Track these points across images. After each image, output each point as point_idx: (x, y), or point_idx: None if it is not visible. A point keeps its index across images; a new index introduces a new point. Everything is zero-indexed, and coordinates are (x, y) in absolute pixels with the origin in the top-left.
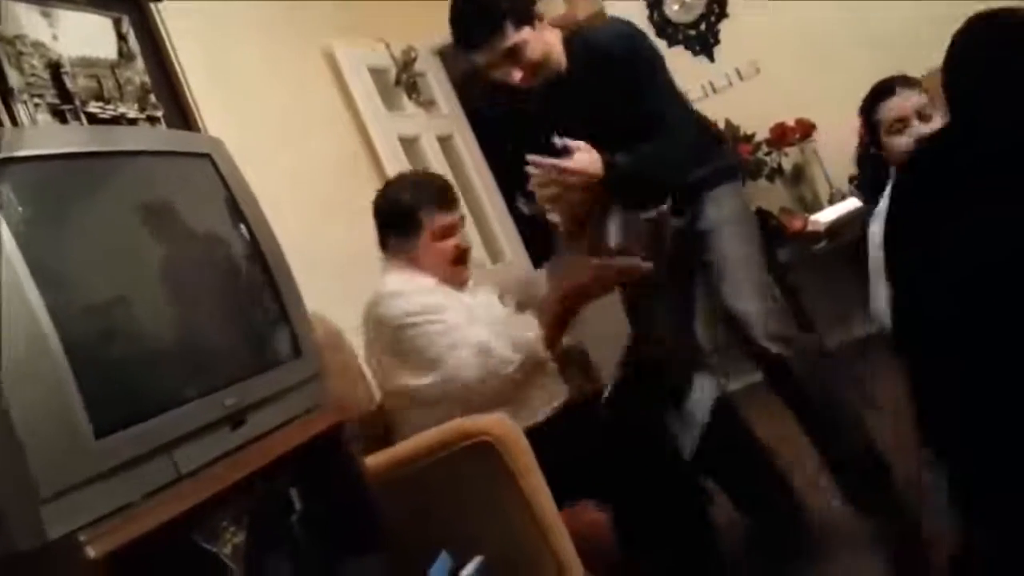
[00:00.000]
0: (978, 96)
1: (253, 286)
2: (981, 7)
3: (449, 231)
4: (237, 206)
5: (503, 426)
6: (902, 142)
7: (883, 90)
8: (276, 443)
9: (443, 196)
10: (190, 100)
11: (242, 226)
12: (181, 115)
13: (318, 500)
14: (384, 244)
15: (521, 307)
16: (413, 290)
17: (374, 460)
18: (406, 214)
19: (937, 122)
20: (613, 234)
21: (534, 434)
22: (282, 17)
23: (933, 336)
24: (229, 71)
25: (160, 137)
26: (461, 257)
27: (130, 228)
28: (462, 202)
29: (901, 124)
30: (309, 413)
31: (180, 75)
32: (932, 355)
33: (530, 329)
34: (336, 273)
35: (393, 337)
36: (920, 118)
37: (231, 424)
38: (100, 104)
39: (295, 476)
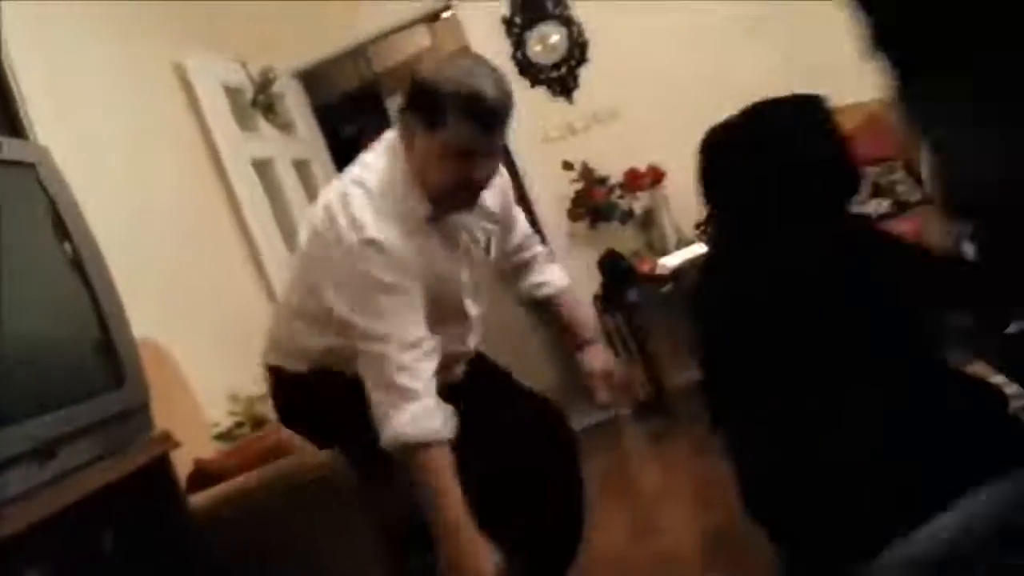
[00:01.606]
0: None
1: (73, 308)
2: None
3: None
4: (61, 221)
5: (332, 463)
6: None
7: None
8: (89, 479)
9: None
10: (20, 106)
11: (65, 244)
12: (9, 122)
13: (134, 541)
14: (401, 120)
15: None
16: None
17: (205, 497)
18: (433, 108)
19: None
20: None
21: None
22: (130, 25)
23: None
24: (67, 77)
25: None
26: (471, 188)
27: None
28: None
29: None
30: (130, 446)
31: (11, 79)
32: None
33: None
34: (173, 297)
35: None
36: None
37: (40, 458)
38: None
39: (109, 515)
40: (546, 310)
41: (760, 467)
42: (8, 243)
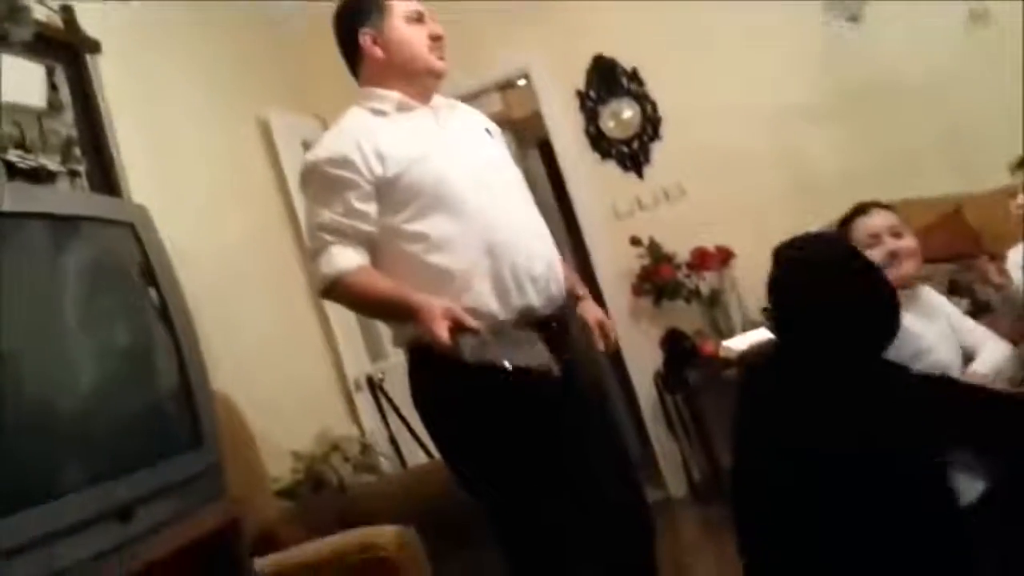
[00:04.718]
0: (799, 321)
1: (161, 371)
2: None
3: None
4: (155, 280)
5: (401, 541)
6: (875, 255)
7: (858, 210)
8: (165, 539)
9: None
10: (115, 157)
11: (157, 303)
12: (104, 171)
13: None
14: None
15: None
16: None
17: (269, 563)
18: (370, 4)
19: (908, 239)
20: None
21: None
22: (220, 81)
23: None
24: (160, 129)
25: (84, 201)
26: (439, 41)
27: (32, 298)
28: None
29: (874, 239)
30: (204, 507)
31: (108, 131)
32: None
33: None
34: (243, 350)
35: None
36: (892, 235)
37: (120, 518)
38: (20, 152)
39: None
40: None
41: None
42: (105, 303)
